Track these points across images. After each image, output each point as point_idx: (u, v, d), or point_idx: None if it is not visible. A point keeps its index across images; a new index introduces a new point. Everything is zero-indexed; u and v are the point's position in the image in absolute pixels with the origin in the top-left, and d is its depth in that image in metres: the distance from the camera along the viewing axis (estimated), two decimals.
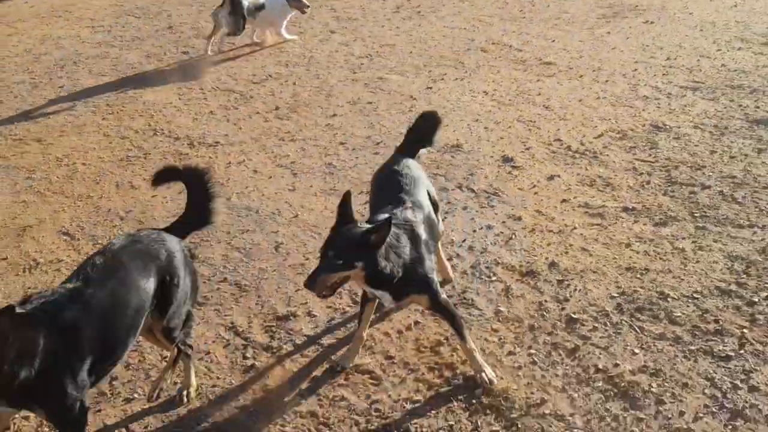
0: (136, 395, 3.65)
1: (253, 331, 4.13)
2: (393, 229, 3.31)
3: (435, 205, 3.98)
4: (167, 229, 3.48)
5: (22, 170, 6.08)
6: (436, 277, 3.63)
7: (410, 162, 4.01)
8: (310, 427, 3.47)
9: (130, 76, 8.27)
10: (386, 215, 3.41)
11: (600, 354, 3.90)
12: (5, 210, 5.46)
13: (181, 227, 3.52)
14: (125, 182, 5.86)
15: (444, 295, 3.64)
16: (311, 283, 3.18)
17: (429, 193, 3.94)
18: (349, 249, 3.20)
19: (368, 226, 3.26)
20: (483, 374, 3.65)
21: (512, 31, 9.85)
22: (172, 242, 3.33)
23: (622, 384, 3.68)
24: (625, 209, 5.33)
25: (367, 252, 3.20)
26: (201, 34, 9.76)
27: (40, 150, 6.45)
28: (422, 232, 3.54)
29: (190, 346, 3.58)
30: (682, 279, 4.51)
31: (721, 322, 4.11)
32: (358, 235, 3.20)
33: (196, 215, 3.53)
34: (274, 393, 3.68)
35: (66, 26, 10.24)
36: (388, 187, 3.81)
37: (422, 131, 4.25)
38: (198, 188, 3.52)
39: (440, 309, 3.62)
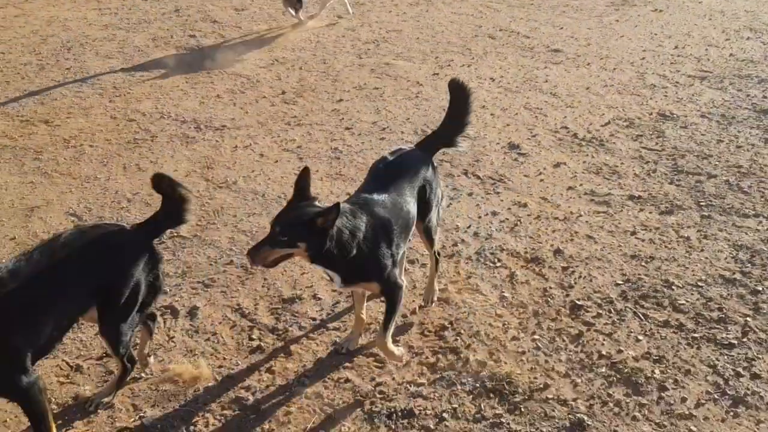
0: (143, 375, 3.68)
1: (259, 313, 4.16)
2: (350, 215, 3.31)
3: (428, 204, 3.84)
4: (140, 226, 3.47)
5: (29, 151, 6.09)
6: (394, 270, 3.54)
7: (412, 155, 3.87)
8: (315, 407, 3.51)
9: (136, 59, 8.27)
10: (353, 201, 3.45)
11: (604, 340, 3.92)
12: (13, 190, 5.48)
13: (154, 225, 3.47)
14: (132, 164, 5.88)
15: (400, 290, 3.55)
16: (253, 254, 3.19)
17: (426, 190, 3.80)
18: (294, 228, 3.18)
19: (320, 207, 3.26)
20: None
21: (520, 17, 9.81)
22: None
23: (626, 370, 3.70)
24: (631, 197, 5.33)
25: (312, 233, 3.17)
26: (208, 18, 9.74)
27: (47, 131, 6.47)
28: (388, 224, 3.47)
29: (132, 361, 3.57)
30: (687, 267, 4.52)
31: (724, 311, 4.13)
32: (306, 216, 3.19)
33: (169, 215, 3.45)
34: (279, 374, 3.72)
35: (73, 8, 10.22)
36: (377, 175, 3.77)
37: (447, 132, 4.06)
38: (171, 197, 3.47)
39: (388, 297, 3.55)
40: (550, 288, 4.36)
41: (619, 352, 3.83)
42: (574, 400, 3.53)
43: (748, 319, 4.06)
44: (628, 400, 3.53)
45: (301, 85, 7.56)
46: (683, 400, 3.52)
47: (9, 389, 3.03)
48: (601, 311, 4.15)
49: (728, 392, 3.57)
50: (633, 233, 4.89)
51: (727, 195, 5.32)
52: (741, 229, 4.91)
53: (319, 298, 4.28)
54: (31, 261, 3.05)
